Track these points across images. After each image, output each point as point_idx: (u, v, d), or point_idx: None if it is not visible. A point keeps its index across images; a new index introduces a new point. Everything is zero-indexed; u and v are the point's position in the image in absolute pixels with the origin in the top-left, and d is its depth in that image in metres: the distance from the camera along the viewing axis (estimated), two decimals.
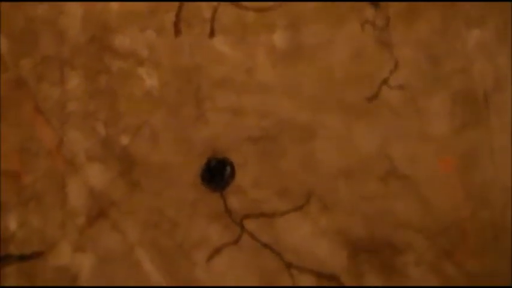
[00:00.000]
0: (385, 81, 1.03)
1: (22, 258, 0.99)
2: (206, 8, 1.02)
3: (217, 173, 1.00)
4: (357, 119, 1.02)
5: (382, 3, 1.02)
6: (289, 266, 0.99)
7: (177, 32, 1.02)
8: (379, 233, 0.99)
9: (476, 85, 1.02)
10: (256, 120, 1.02)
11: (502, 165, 1.01)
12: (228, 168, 1.00)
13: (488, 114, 1.01)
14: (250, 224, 1.00)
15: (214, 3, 1.02)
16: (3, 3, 1.01)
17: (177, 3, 1.02)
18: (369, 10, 1.02)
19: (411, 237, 0.99)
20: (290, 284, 0.98)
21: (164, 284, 0.98)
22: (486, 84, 1.02)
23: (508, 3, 1.03)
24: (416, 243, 0.99)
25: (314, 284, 0.98)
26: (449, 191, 1.00)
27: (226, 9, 1.02)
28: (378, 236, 0.99)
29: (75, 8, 1.02)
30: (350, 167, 1.01)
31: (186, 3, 1.01)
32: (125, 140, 1.02)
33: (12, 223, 1.00)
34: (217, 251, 0.99)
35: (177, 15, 1.01)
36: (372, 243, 0.99)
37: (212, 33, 1.02)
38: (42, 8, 1.02)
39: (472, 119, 1.02)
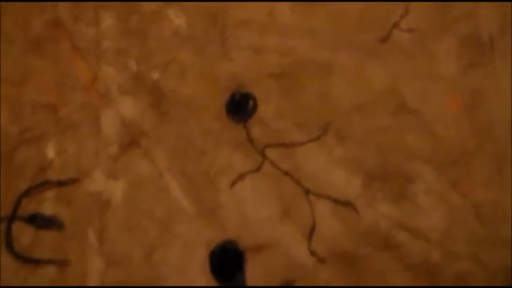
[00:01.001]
0: (396, 25, 1.03)
1: (59, 184, 0.98)
2: None
3: (240, 106, 1.00)
4: (370, 58, 1.02)
5: None
6: (307, 192, 0.98)
7: None
8: (390, 163, 0.99)
9: (482, 29, 1.01)
10: (277, 58, 1.02)
11: (505, 103, 0.99)
12: (251, 102, 1.00)
13: (494, 56, 1.01)
14: (271, 153, 1.00)
15: None
16: None
17: None
18: None
19: (421, 168, 0.99)
20: (308, 209, 0.97)
21: (190, 208, 0.97)
22: (492, 29, 1.01)
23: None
24: (425, 173, 0.99)
25: (330, 209, 0.97)
26: (457, 126, 1.01)
27: None
28: (389, 166, 0.99)
29: None
30: (363, 102, 1.02)
31: None
32: (155, 75, 1.02)
33: (50, 151, 1.00)
34: (240, 177, 0.99)
35: None
36: (384, 172, 0.99)
37: None
38: None
39: (478, 60, 1.02)
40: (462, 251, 0.97)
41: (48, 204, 0.98)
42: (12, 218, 0.97)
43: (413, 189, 0.99)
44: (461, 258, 0.97)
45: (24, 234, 0.97)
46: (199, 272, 0.97)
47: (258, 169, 0.99)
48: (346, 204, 0.98)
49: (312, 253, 0.97)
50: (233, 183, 0.99)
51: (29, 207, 0.98)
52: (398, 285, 0.96)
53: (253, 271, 0.97)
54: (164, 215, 0.98)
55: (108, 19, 1.02)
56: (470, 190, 0.98)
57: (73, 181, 0.99)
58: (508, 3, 1.01)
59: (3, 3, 1.01)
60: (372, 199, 0.98)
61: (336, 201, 0.98)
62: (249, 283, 0.96)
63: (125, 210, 0.98)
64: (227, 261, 0.97)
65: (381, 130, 1.00)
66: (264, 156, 0.99)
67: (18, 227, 0.97)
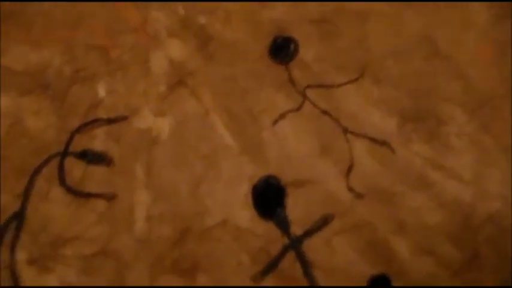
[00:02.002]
0: None
1: (109, 121, 0.92)
2: None
3: (282, 49, 0.93)
4: (406, 6, 0.95)
5: None
6: (345, 131, 0.91)
7: None
8: (424, 105, 0.93)
9: None
10: (317, 5, 0.95)
11: None
12: (292, 45, 0.94)
13: None
14: (311, 93, 0.93)
15: None
16: None
17: None
18: None
19: (453, 111, 0.93)
20: (346, 147, 0.90)
21: (234, 144, 0.90)
22: None
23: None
24: (457, 116, 0.92)
25: (367, 147, 0.90)
26: (487, 71, 0.94)
27: None
28: (423, 108, 0.93)
29: None
30: (398, 48, 0.95)
31: None
32: (201, 19, 0.96)
33: (101, 91, 0.94)
34: (282, 116, 0.92)
35: None
36: (418, 114, 0.93)
37: None
38: None
39: (509, 12, 0.94)
40: (493, 192, 0.90)
41: (98, 141, 0.92)
42: (64, 154, 0.92)
43: (445, 130, 0.92)
44: (493, 198, 0.90)
45: (75, 169, 0.91)
46: (242, 205, 0.91)
47: (298, 108, 0.92)
48: (383, 143, 0.91)
49: (350, 189, 0.90)
50: (275, 122, 0.92)
51: (80, 143, 0.92)
52: (432, 222, 0.90)
53: (294, 205, 0.91)
54: (209, 151, 0.92)
55: None
56: (500, 133, 0.91)
57: (122, 119, 0.93)
58: None
59: None
60: (406, 139, 0.91)
61: (373, 140, 0.91)
62: (290, 217, 0.90)
63: (172, 146, 0.92)
64: (269, 195, 0.91)
65: (415, 74, 0.93)
66: (304, 97, 0.93)
67: (70, 163, 0.92)
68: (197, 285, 0.90)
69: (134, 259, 0.90)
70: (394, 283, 0.90)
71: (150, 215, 0.91)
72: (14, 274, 0.91)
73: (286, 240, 0.90)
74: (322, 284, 0.89)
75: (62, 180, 0.91)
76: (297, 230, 0.90)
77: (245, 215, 0.90)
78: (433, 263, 0.90)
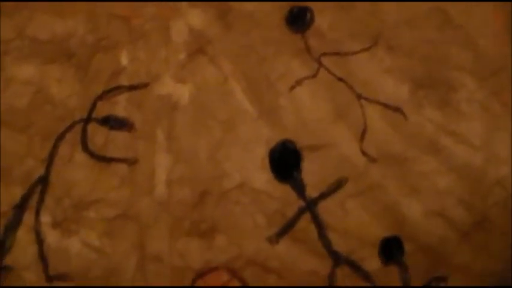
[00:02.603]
0: None
1: (131, 88, 0.92)
2: None
3: (299, 18, 0.93)
4: None
5: None
6: (359, 97, 0.91)
7: None
8: (436, 73, 0.92)
9: None
10: None
11: None
12: (308, 14, 0.93)
13: None
14: (326, 61, 0.92)
15: None
16: None
17: None
18: None
19: (464, 78, 0.92)
20: (360, 113, 0.91)
21: (252, 110, 0.91)
22: None
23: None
24: (468, 83, 0.91)
25: (380, 113, 0.91)
26: (498, 41, 0.93)
27: None
28: (435, 75, 0.92)
29: None
30: (411, 17, 0.93)
31: None
32: None
33: (123, 58, 0.93)
34: (298, 82, 0.92)
35: None
36: (429, 81, 0.92)
37: None
38: None
39: None
40: (503, 156, 0.90)
41: (120, 107, 0.91)
42: (87, 120, 0.91)
43: (456, 97, 0.91)
44: (502, 163, 0.90)
45: (98, 135, 0.91)
46: (260, 168, 0.90)
47: (314, 75, 0.91)
48: (395, 109, 0.91)
49: (364, 153, 0.90)
50: (292, 88, 0.91)
51: (103, 109, 0.91)
52: (443, 186, 0.90)
53: (309, 169, 0.90)
54: (227, 116, 0.91)
55: None
56: (509, 99, 0.91)
57: (144, 85, 0.92)
58: None
59: None
60: (418, 105, 0.90)
61: (386, 106, 0.91)
62: (305, 180, 0.91)
63: (191, 112, 0.91)
64: (285, 159, 0.91)
65: (427, 42, 0.92)
66: (319, 64, 0.92)
67: (92, 128, 0.91)
68: (215, 245, 0.92)
69: (154, 221, 0.90)
70: (406, 245, 0.90)
71: (170, 179, 0.90)
72: (38, 237, 0.92)
73: (301, 203, 0.89)
74: (336, 245, 0.91)
75: (85, 146, 0.91)
76: (312, 192, 0.89)
77: (262, 177, 0.90)
78: (444, 225, 0.89)
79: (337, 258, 0.89)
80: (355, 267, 0.89)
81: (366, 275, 0.89)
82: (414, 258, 0.89)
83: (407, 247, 0.89)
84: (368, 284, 0.89)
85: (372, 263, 0.90)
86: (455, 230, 0.90)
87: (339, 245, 0.89)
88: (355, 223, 0.90)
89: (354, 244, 0.90)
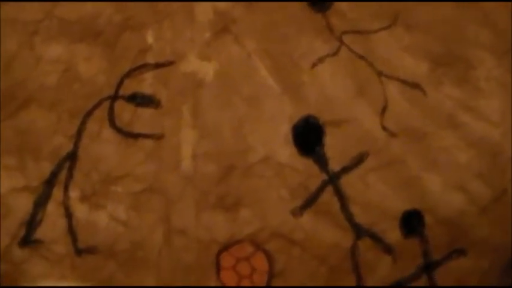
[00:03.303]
0: None
1: (157, 66, 0.93)
2: None
3: None
4: None
5: None
6: (380, 74, 0.92)
7: None
8: (454, 51, 0.90)
9: None
10: None
11: None
12: None
13: None
14: (347, 39, 0.91)
15: None
16: None
17: None
18: None
19: (482, 55, 0.91)
20: (380, 89, 0.92)
21: (276, 86, 0.93)
22: None
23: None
24: (486, 61, 0.92)
25: (400, 89, 0.92)
26: None
27: None
28: (453, 53, 0.90)
29: None
30: None
31: None
32: None
33: (149, 38, 0.92)
34: (320, 60, 0.91)
35: None
36: (448, 59, 0.91)
37: None
38: None
39: None
40: None
41: (146, 84, 0.91)
42: (114, 97, 0.91)
43: (475, 74, 0.90)
44: None
45: (125, 112, 0.91)
46: (283, 143, 0.89)
47: (335, 53, 0.91)
48: (415, 85, 0.91)
49: (384, 128, 0.89)
50: (314, 65, 0.91)
51: (129, 87, 0.91)
52: (462, 160, 0.91)
53: (331, 143, 0.89)
54: (252, 92, 0.90)
55: None
56: None
57: (170, 63, 0.91)
58: None
59: None
60: (437, 82, 0.89)
61: (405, 83, 0.91)
62: (328, 154, 0.92)
63: (216, 88, 0.90)
64: (308, 134, 0.91)
65: (445, 21, 0.91)
66: (341, 42, 0.91)
67: (120, 105, 0.91)
68: (240, 218, 0.93)
69: (180, 195, 0.89)
70: (426, 218, 0.88)
71: (196, 154, 0.89)
72: (67, 211, 0.92)
73: (324, 176, 0.89)
74: (358, 217, 0.92)
75: (112, 122, 0.90)
76: (334, 166, 0.89)
77: (286, 152, 0.89)
78: (463, 199, 0.88)
79: (359, 231, 0.90)
80: (376, 239, 0.89)
81: (387, 248, 0.90)
82: (434, 231, 0.88)
83: (428, 220, 0.88)
84: (389, 256, 0.91)
85: (393, 235, 0.90)
86: (474, 204, 0.89)
87: (361, 217, 0.89)
88: (376, 196, 0.89)
89: (376, 217, 0.88)
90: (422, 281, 0.87)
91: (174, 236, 0.89)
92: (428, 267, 0.87)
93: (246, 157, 0.90)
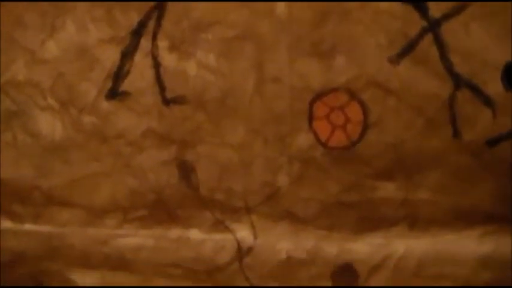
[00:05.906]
0: None
1: None
2: None
3: None
4: None
5: None
6: None
7: None
8: None
9: None
10: None
11: None
12: None
13: None
14: None
15: None
16: None
17: None
18: None
19: None
20: None
21: None
22: None
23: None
24: None
25: None
26: None
27: None
28: None
29: None
30: None
31: None
32: None
33: None
34: None
35: None
36: None
37: None
38: None
39: None
40: None
41: None
42: None
43: None
44: None
45: None
46: None
47: None
48: None
49: None
50: None
51: None
52: None
53: None
54: None
55: None
56: None
57: None
58: None
59: None
60: None
61: None
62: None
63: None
64: None
65: None
66: None
67: None
68: (335, 66, 0.90)
69: (273, 42, 0.86)
70: None
71: None
72: (155, 60, 0.91)
73: (424, 23, 0.85)
74: (457, 67, 0.88)
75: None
76: (435, 13, 0.84)
77: None
78: None
79: (458, 81, 0.86)
80: (476, 90, 0.87)
81: (487, 100, 0.86)
82: None
83: None
84: (489, 110, 0.87)
85: (494, 87, 0.87)
86: None
87: (461, 67, 0.85)
88: (478, 46, 0.85)
89: (476, 67, 0.85)
90: None
91: (266, 84, 0.87)
92: None
93: (343, 2, 0.85)
